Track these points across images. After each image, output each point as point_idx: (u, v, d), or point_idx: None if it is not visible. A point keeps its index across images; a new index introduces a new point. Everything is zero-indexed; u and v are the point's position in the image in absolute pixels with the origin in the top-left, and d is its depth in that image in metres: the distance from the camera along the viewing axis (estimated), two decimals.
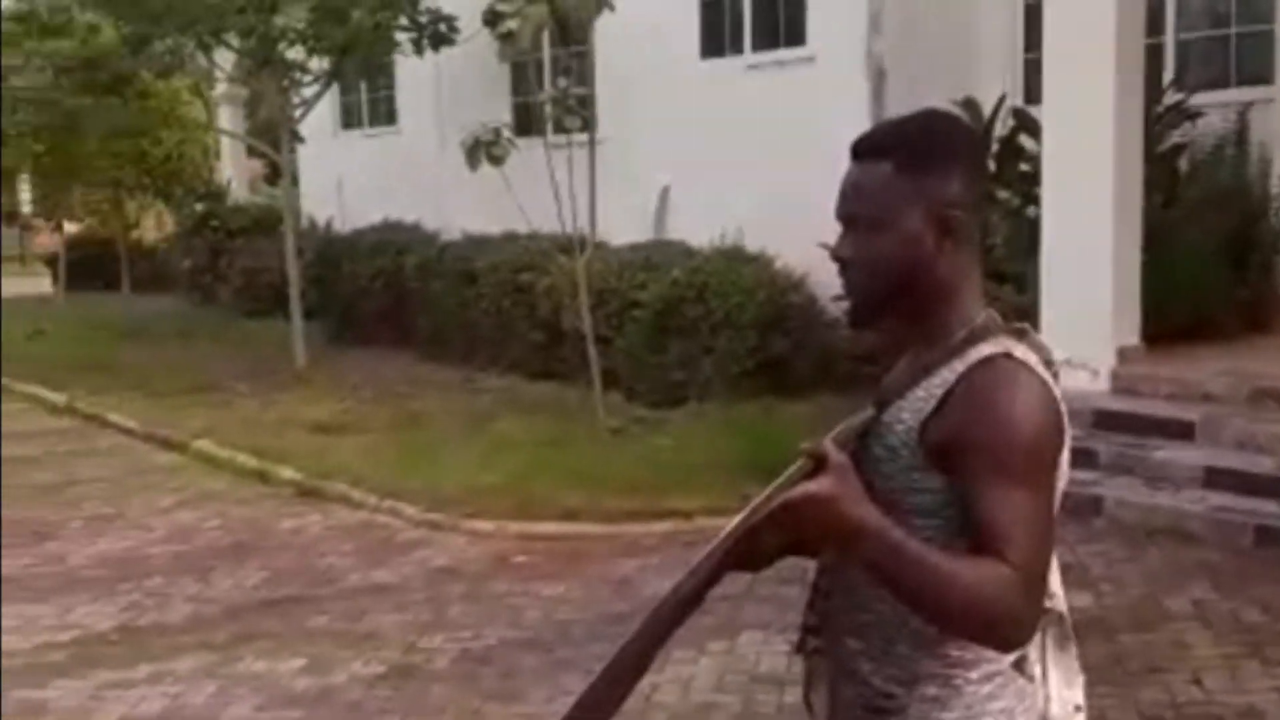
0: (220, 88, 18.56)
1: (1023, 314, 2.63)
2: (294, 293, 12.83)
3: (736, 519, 1.73)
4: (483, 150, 9.52)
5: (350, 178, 15.44)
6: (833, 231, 1.94)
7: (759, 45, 11.01)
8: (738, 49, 11.17)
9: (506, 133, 9.75)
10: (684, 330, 9.86)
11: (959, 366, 1.83)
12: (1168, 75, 9.37)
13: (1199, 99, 9.03)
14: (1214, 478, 6.84)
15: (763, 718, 4.84)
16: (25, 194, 24.89)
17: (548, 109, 10.61)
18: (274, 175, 18.16)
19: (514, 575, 6.67)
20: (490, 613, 6.10)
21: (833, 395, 8.83)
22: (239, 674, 5.46)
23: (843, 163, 1.94)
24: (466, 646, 5.67)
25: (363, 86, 15.76)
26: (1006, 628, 1.73)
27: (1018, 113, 9.22)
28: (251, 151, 19.70)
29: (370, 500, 8.07)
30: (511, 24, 10.20)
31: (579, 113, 10.28)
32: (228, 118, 19.46)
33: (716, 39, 11.36)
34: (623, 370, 10.16)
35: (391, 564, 6.96)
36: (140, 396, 11.62)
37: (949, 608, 1.71)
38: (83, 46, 14.94)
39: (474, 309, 12.00)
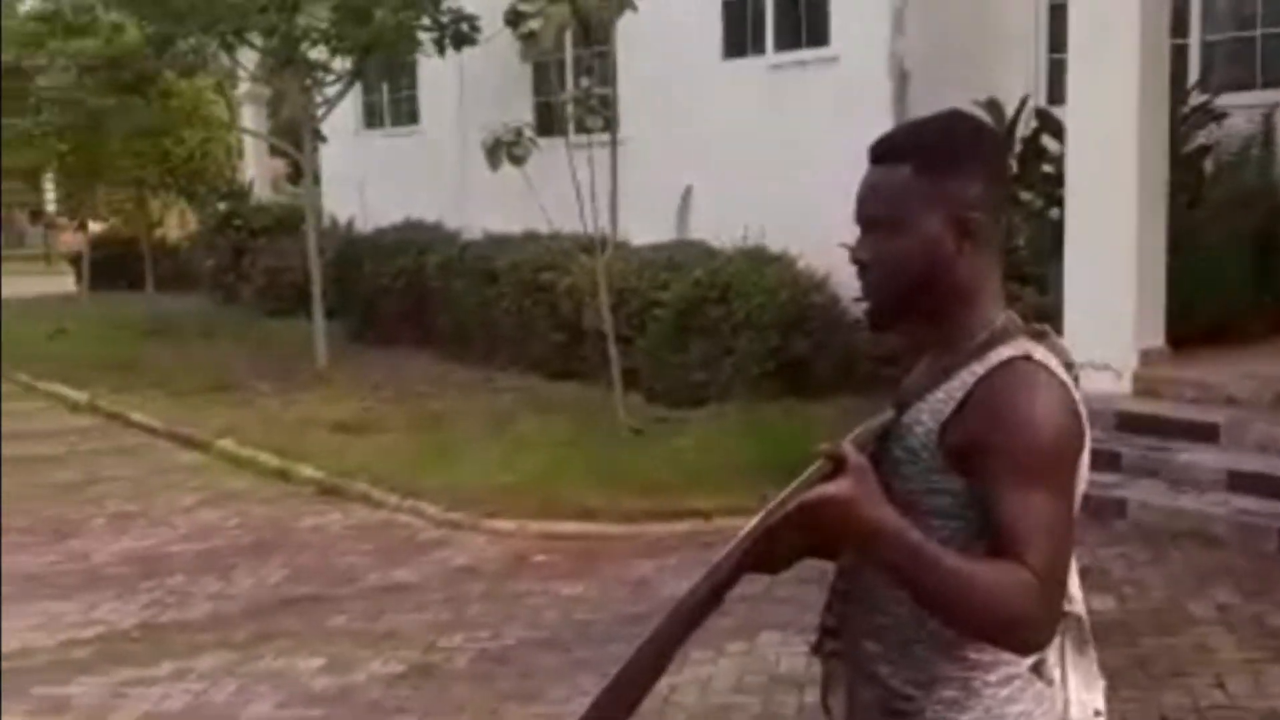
0: (243, 87, 18.62)
1: (1045, 316, 2.61)
2: (316, 292, 12.87)
3: (755, 520, 1.72)
4: (504, 150, 9.51)
5: (372, 177, 15.49)
6: (855, 232, 1.94)
7: (781, 45, 11.00)
8: (760, 49, 11.17)
9: (528, 132, 9.74)
10: (705, 330, 9.84)
11: (979, 369, 1.82)
12: (1193, 76, 9.32)
13: (1224, 100, 8.97)
14: (1238, 481, 6.81)
15: (782, 719, 4.83)
16: (50, 193, 25.05)
17: (569, 109, 10.60)
18: (296, 174, 18.17)
19: (533, 575, 6.68)
20: (509, 612, 6.11)
21: (853, 397, 8.78)
22: (259, 672, 5.48)
23: (865, 163, 1.94)
24: (485, 646, 5.68)
25: (385, 86, 15.82)
26: (1025, 630, 1.72)
27: (1041, 113, 9.18)
28: (274, 151, 19.74)
29: (391, 499, 8.09)
30: (534, 24, 10.20)
31: (601, 113, 10.26)
32: (250, 117, 19.52)
33: (739, 39, 11.35)
34: (643, 370, 10.15)
35: (411, 563, 6.98)
36: (162, 395, 11.67)
37: (967, 610, 1.70)
38: (107, 46, 14.99)
39: (495, 308, 12.01)
